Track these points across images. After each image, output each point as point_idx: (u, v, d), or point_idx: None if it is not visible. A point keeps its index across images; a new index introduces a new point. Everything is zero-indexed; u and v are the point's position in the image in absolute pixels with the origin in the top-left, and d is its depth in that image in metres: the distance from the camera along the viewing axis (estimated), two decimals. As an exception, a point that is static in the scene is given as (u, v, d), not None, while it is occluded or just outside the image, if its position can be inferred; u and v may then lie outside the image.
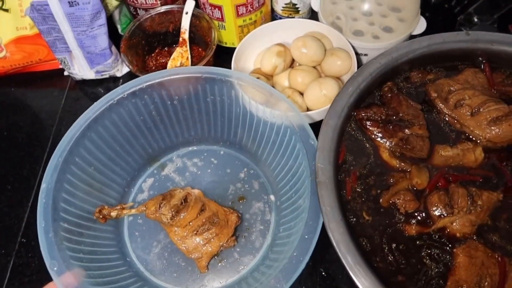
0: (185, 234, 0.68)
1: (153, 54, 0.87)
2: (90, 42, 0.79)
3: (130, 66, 0.75)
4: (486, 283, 0.49)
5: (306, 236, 0.56)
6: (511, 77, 0.64)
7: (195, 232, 0.68)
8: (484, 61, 0.65)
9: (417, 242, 0.52)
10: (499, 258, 0.51)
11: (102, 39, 0.80)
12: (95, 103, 0.68)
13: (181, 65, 0.83)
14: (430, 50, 0.64)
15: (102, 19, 0.77)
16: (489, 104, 0.59)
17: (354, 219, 0.54)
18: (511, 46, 0.64)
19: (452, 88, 0.61)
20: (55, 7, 0.73)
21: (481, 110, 0.59)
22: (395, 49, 0.63)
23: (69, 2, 0.73)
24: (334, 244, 0.48)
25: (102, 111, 0.68)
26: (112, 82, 0.90)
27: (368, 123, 0.59)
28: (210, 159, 0.80)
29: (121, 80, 0.90)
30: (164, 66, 0.85)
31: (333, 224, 0.49)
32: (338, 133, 0.57)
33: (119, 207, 0.71)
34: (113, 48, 0.85)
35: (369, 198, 0.55)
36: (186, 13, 0.80)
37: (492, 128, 0.58)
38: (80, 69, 0.85)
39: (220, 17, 0.81)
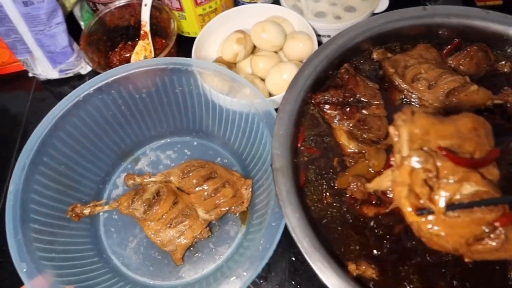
0: (159, 227, 0.69)
1: (116, 49, 0.86)
2: (50, 41, 0.78)
3: (90, 63, 0.75)
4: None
5: (273, 224, 0.56)
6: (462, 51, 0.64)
7: (168, 225, 0.69)
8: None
9: (374, 223, 0.53)
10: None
11: (62, 38, 0.79)
12: (60, 101, 0.68)
13: (145, 58, 0.83)
14: (388, 27, 0.63)
15: (59, 17, 0.76)
16: (445, 76, 0.59)
17: (312, 203, 0.54)
18: (468, 18, 0.63)
19: (408, 63, 0.61)
20: (9, 7, 0.72)
21: (438, 82, 0.59)
22: (351, 28, 0.62)
23: (23, 1, 0.72)
24: (290, 229, 0.48)
25: (68, 109, 0.68)
26: (77, 80, 0.89)
27: (325, 106, 0.59)
28: (184, 150, 0.80)
29: (86, 78, 0.89)
30: (128, 61, 0.84)
31: (289, 209, 0.49)
32: (295, 118, 0.56)
33: (92, 204, 0.71)
34: (75, 45, 0.84)
35: (328, 181, 0.56)
36: (145, 5, 0.79)
37: (450, 99, 0.58)
38: (43, 69, 0.84)
39: (179, 7, 0.80)
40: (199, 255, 0.70)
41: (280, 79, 0.69)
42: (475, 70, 0.63)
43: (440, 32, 0.65)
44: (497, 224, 0.41)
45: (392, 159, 0.44)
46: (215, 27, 0.79)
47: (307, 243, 0.48)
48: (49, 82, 0.89)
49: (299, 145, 0.58)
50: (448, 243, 0.42)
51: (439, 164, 0.42)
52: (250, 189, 0.70)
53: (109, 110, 0.72)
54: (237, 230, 0.71)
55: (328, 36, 0.81)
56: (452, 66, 0.63)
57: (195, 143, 0.80)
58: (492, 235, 0.41)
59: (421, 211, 0.42)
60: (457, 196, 0.41)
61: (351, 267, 0.50)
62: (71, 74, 0.88)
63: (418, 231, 0.42)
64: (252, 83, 0.72)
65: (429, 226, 0.41)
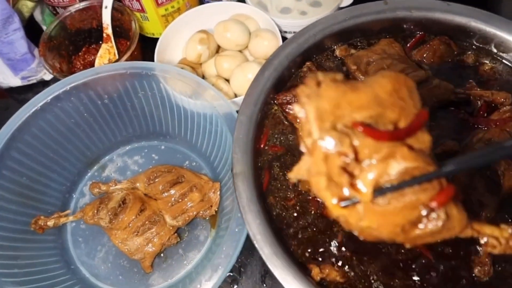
0: (126, 236, 0.67)
1: (80, 53, 0.84)
2: (8, 48, 0.76)
3: (50, 70, 0.73)
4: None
5: (236, 230, 0.55)
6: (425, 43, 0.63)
7: (135, 233, 0.67)
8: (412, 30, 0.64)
9: (337, 224, 0.52)
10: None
11: (20, 44, 0.77)
12: (16, 112, 0.66)
13: (109, 61, 0.81)
14: (349, 24, 0.62)
15: (16, 23, 0.74)
16: (407, 72, 0.58)
17: (276, 206, 0.53)
18: (430, 11, 0.62)
19: (370, 59, 0.60)
20: (-38, 16, 0.70)
21: (400, 78, 0.58)
22: (312, 26, 0.61)
23: (-25, 9, 0.70)
24: (251, 236, 0.47)
25: (26, 119, 0.66)
26: (41, 86, 0.87)
27: (288, 106, 0.58)
28: (151, 155, 0.79)
29: (51, 83, 0.86)
30: (92, 64, 0.82)
31: (250, 215, 0.48)
32: (257, 120, 0.55)
33: (56, 216, 0.70)
34: (36, 51, 0.81)
35: (290, 183, 0.55)
36: (106, 7, 0.77)
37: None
38: (4, 77, 0.82)
39: (140, 8, 0.78)
40: (169, 261, 0.69)
41: (245, 79, 0.68)
42: (439, 63, 0.62)
43: (404, 26, 0.64)
44: (433, 204, 0.35)
45: (302, 144, 0.36)
46: (178, 27, 0.77)
47: (268, 250, 0.47)
48: (13, 90, 0.87)
49: (262, 145, 0.57)
50: (383, 234, 0.36)
51: (357, 143, 0.35)
52: (218, 193, 0.68)
53: (71, 118, 0.71)
54: (207, 235, 0.70)
55: (294, 32, 0.79)
56: (416, 60, 0.62)
57: (162, 147, 0.79)
58: (430, 217, 0.35)
59: (346, 202, 0.35)
60: (385, 178, 0.35)
61: (315, 271, 0.49)
62: (34, 81, 0.85)
63: (347, 225, 0.37)
64: (216, 85, 0.71)
65: (358, 218, 0.35)
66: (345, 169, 0.34)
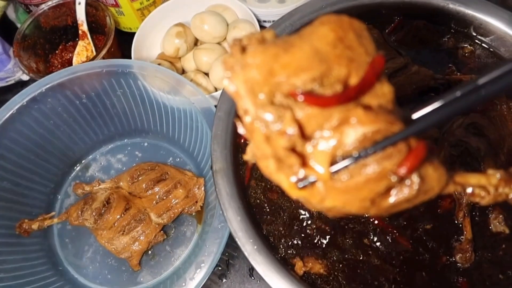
0: (112, 235, 0.67)
1: (57, 51, 0.82)
2: (-19, 50, 0.74)
3: (26, 70, 0.71)
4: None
5: (219, 226, 0.55)
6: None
7: (121, 232, 0.67)
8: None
9: (319, 218, 0.52)
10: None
11: (-7, 45, 0.75)
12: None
13: (87, 58, 0.79)
14: (327, 11, 0.61)
15: (-13, 24, 0.72)
16: (386, 59, 0.57)
17: (257, 201, 0.53)
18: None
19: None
20: None
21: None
22: (289, 15, 0.60)
23: None
24: (233, 232, 0.47)
25: (3, 124, 0.65)
26: (20, 86, 0.85)
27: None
28: (135, 152, 0.78)
29: (30, 83, 0.84)
30: (70, 62, 0.80)
31: (231, 212, 0.48)
32: (235, 116, 0.54)
33: (40, 218, 0.69)
34: (11, 51, 0.79)
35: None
36: (79, 3, 0.75)
37: (392, 81, 0.57)
38: (-19, 79, 0.80)
39: (114, 3, 0.76)
40: (157, 258, 0.69)
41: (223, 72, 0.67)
42: (419, 48, 0.62)
43: (382, 11, 0.63)
44: (402, 171, 0.29)
45: (239, 126, 0.31)
46: (155, 21, 0.76)
47: (250, 246, 0.47)
48: (-10, 92, 0.85)
49: (242, 141, 0.56)
50: (352, 210, 0.31)
51: (301, 115, 0.29)
52: (203, 188, 0.68)
53: (49, 119, 0.70)
54: (193, 231, 0.70)
55: (272, 21, 0.78)
56: (395, 46, 0.61)
57: (145, 144, 0.78)
58: (402, 185, 0.30)
59: (303, 182, 0.30)
60: (341, 150, 0.29)
61: (298, 265, 0.49)
62: (12, 82, 0.84)
63: (311, 206, 0.32)
64: (195, 79, 0.69)
65: (320, 199, 0.30)
66: (292, 149, 0.29)
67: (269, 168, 0.30)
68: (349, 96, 0.29)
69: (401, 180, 0.30)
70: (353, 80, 0.30)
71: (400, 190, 0.30)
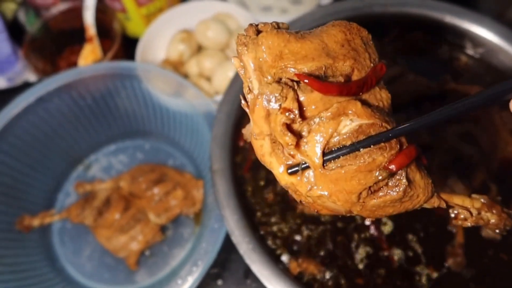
0: (110, 234, 0.68)
1: (64, 54, 0.84)
2: (-8, 50, 0.76)
3: (34, 71, 0.73)
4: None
5: (216, 226, 0.56)
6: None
7: (120, 232, 0.68)
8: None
9: (316, 220, 0.53)
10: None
11: (4, 46, 0.77)
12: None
13: (94, 61, 0.81)
14: (327, 21, 0.62)
15: (0, 26, 0.74)
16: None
17: (253, 203, 0.54)
18: (405, 6, 0.64)
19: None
20: None
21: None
22: (290, 25, 0.62)
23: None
24: (229, 231, 0.48)
25: (9, 121, 0.67)
26: (26, 88, 0.86)
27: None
28: (136, 154, 0.79)
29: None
30: (77, 65, 0.82)
31: (228, 211, 0.49)
32: (235, 118, 0.56)
33: (41, 215, 0.70)
34: (20, 52, 0.81)
35: (271, 178, 0.56)
36: (88, 9, 0.77)
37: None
38: (-11, 79, 0.82)
39: (122, 8, 0.78)
40: (154, 259, 0.69)
41: (226, 77, 0.69)
42: (415, 58, 0.63)
43: (381, 22, 0.65)
44: (392, 166, 0.30)
45: (243, 103, 0.32)
46: (160, 27, 0.78)
47: (246, 245, 0.48)
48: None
49: (241, 143, 0.58)
50: (337, 204, 0.31)
51: (303, 98, 0.30)
52: (202, 190, 0.69)
53: (54, 119, 0.71)
54: (191, 232, 0.71)
55: (275, 30, 0.80)
56: (392, 55, 0.63)
57: (147, 146, 0.80)
58: (390, 183, 0.31)
59: (294, 168, 0.31)
60: (336, 139, 0.30)
61: (293, 265, 0.50)
62: (19, 82, 0.85)
63: (297, 196, 0.32)
64: (197, 83, 0.71)
65: (308, 187, 0.31)
66: (289, 126, 0.30)
67: (263, 148, 0.31)
68: (349, 88, 0.31)
69: (390, 177, 0.31)
70: (355, 78, 0.32)
71: (387, 189, 0.31)
